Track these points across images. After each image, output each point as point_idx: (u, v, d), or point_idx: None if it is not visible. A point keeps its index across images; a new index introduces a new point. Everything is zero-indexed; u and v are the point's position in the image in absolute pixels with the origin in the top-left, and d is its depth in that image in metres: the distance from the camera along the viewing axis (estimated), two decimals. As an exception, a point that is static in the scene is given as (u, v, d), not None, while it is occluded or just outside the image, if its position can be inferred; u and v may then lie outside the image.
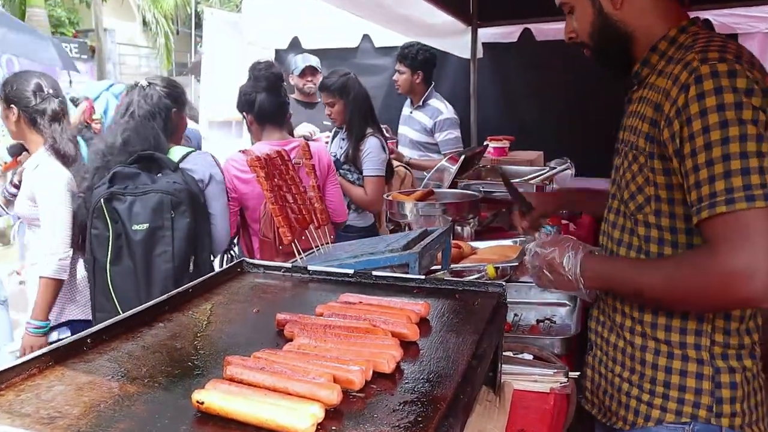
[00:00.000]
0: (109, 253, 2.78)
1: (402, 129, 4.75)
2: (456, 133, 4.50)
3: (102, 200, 2.80)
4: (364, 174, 3.61)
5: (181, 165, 3.05)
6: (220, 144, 6.35)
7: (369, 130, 3.63)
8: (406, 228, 2.88)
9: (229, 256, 3.21)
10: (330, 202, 3.21)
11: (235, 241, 3.22)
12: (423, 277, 1.51)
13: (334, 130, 3.89)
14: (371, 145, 3.59)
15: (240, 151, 3.03)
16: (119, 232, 2.79)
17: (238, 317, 1.32)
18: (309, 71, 4.77)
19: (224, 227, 3.04)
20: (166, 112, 3.05)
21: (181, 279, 2.82)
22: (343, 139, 3.71)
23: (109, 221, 2.79)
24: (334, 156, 3.68)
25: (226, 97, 6.60)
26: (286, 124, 3.19)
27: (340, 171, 3.63)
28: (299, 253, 1.88)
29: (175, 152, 3.14)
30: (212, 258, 2.98)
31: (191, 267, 2.84)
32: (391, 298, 1.34)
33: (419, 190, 3.06)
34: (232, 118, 7.11)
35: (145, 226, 2.78)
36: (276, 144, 3.03)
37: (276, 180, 1.89)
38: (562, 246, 1.46)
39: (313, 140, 4.20)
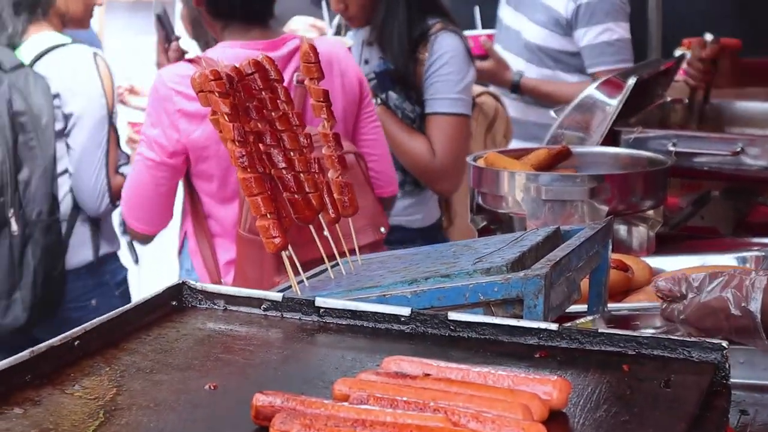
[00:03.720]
0: None
1: (506, 17, 4.75)
2: (620, 30, 4.50)
3: None
4: (428, 110, 3.64)
5: (38, 65, 3.50)
6: (127, 47, 6.43)
7: (434, 20, 3.64)
8: (516, 226, 2.87)
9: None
10: (370, 158, 3.24)
11: (183, 240, 3.33)
12: (554, 326, 1.50)
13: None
14: (446, 47, 3.63)
15: (186, 60, 3.10)
16: None
17: (174, 399, 1.32)
18: None
19: (92, 179, 3.50)
20: None
21: None
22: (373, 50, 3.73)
23: None
24: (370, 75, 3.71)
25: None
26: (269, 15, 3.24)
27: (390, 101, 3.66)
28: (297, 273, 1.89)
29: (38, 41, 3.56)
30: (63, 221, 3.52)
31: (14, 227, 3.41)
32: (488, 367, 1.33)
33: (542, 149, 3.05)
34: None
35: None
36: (253, 45, 3.09)
37: (252, 121, 1.90)
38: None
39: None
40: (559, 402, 1.27)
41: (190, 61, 3.08)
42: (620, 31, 4.48)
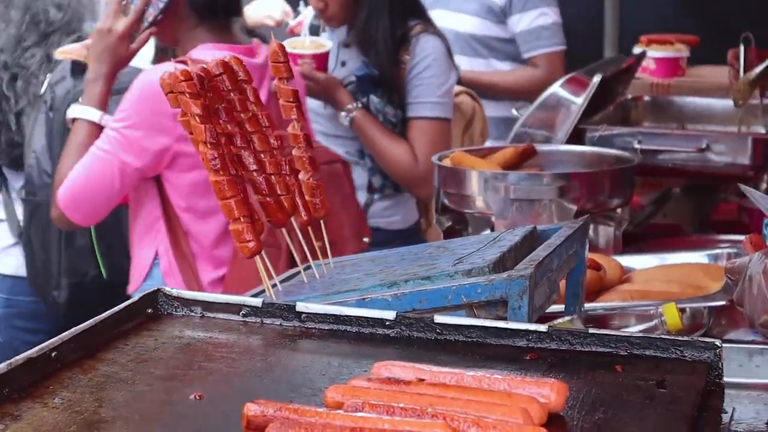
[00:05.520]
0: None
1: (437, 12, 4.76)
2: (554, 15, 4.61)
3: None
4: (410, 114, 3.66)
5: None
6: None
7: (414, 22, 3.67)
8: (479, 226, 2.87)
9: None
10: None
11: (152, 261, 3.23)
12: (544, 327, 1.49)
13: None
14: (428, 50, 3.65)
15: (177, 60, 3.09)
16: None
17: (160, 410, 1.30)
18: None
19: None
20: None
21: None
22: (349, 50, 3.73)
23: None
24: (350, 78, 3.72)
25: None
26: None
27: (371, 105, 3.66)
28: (270, 277, 1.88)
29: None
30: None
31: None
32: (482, 371, 1.33)
33: (508, 147, 3.05)
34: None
35: None
36: (233, 49, 3.11)
37: (222, 122, 1.87)
38: None
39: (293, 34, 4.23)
40: (557, 405, 1.26)
41: (181, 61, 3.05)
42: (554, 15, 4.60)
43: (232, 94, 1.95)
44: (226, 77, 1.94)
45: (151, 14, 3.20)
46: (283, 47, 2.07)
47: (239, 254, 2.91)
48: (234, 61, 1.98)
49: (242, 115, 1.94)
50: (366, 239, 3.06)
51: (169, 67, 3.09)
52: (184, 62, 3.08)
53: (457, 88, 4.00)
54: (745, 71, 3.68)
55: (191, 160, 3.03)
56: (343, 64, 3.73)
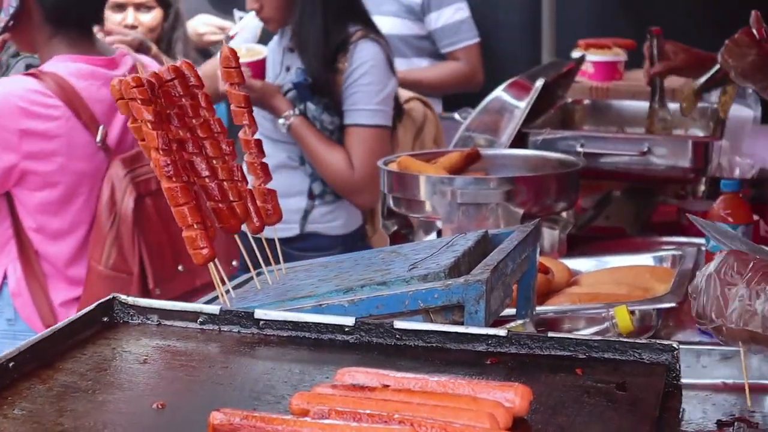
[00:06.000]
0: None
1: None
2: (467, 9, 4.76)
3: None
4: (347, 121, 3.65)
5: None
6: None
7: (355, 28, 3.66)
8: (426, 231, 2.88)
9: None
10: None
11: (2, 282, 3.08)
12: (503, 332, 1.50)
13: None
14: (366, 56, 3.63)
15: (28, 74, 2.99)
16: None
17: (123, 420, 1.29)
18: None
19: None
20: None
21: None
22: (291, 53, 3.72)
23: None
24: (288, 85, 3.70)
25: None
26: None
27: (308, 112, 3.65)
28: (223, 283, 1.86)
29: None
30: None
31: None
32: (444, 376, 1.33)
33: (453, 152, 3.06)
34: None
35: None
36: (92, 60, 3.04)
37: (174, 128, 1.86)
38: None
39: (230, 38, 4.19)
40: (521, 409, 1.27)
41: (32, 75, 2.97)
42: (467, 10, 4.77)
43: (183, 100, 1.93)
44: (178, 83, 1.92)
45: (2, 20, 3.06)
46: (234, 52, 2.06)
47: (92, 274, 2.91)
48: (185, 66, 1.97)
49: (194, 120, 1.92)
50: (234, 263, 3.00)
51: (17, 80, 3.04)
52: (34, 75, 3.04)
53: (408, 95, 4.01)
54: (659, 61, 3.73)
55: (40, 179, 2.96)
56: (288, 69, 3.72)
